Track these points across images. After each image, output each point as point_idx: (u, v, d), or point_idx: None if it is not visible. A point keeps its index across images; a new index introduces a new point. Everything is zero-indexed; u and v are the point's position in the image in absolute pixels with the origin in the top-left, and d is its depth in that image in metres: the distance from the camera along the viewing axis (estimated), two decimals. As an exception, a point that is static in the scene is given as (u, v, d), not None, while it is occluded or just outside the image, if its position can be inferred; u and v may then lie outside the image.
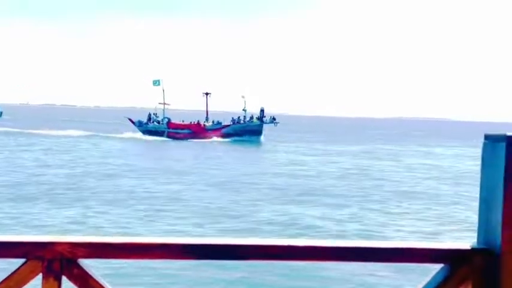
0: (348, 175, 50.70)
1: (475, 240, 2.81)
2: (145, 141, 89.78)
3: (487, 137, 2.76)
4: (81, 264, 2.66)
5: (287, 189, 40.34)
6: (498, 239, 2.67)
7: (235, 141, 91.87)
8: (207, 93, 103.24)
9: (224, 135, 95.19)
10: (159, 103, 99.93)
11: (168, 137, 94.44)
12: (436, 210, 33.87)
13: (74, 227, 26.68)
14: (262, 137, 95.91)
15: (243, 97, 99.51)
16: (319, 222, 28.91)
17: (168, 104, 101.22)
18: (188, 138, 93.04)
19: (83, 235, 3.06)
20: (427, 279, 2.79)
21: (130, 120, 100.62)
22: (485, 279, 2.72)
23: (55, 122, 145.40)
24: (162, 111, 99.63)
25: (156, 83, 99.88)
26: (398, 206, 34.96)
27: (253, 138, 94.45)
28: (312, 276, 19.08)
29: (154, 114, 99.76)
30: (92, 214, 29.56)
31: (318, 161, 64.03)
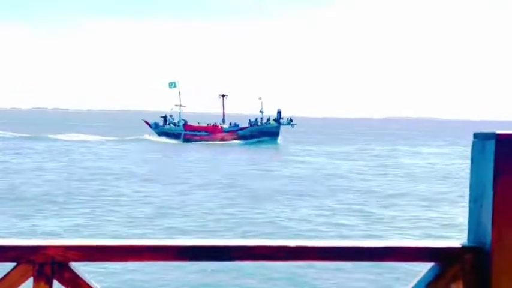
0: (355, 175, 50.59)
1: (466, 238, 2.81)
2: (163, 143, 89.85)
3: (476, 135, 2.75)
4: (72, 267, 2.65)
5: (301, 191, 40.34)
6: (488, 237, 2.67)
7: (252, 143, 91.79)
8: (223, 95, 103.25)
9: (241, 137, 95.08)
10: (175, 105, 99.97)
11: (185, 139, 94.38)
12: (432, 209, 33.88)
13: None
14: (279, 139, 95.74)
15: (259, 99, 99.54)
16: (316, 226, 28.94)
17: (184, 106, 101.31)
18: (205, 141, 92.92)
19: (75, 238, 3.03)
20: (418, 278, 2.78)
21: (146, 122, 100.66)
22: (476, 277, 2.71)
23: (66, 126, 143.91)
24: (178, 113, 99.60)
25: (172, 85, 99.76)
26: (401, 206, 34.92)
27: (271, 140, 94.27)
28: (302, 276, 19.01)
29: (170, 116, 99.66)
30: (95, 218, 29.71)
31: (337, 163, 63.95)
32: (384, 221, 30.37)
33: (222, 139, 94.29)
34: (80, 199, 35.07)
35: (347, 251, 2.76)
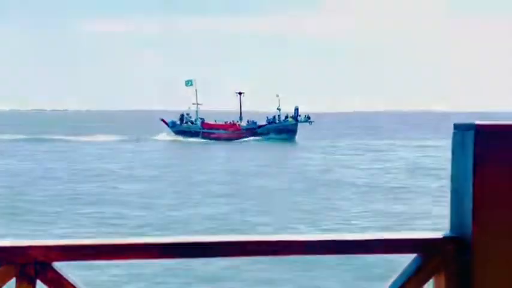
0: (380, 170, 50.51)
1: (447, 229, 2.81)
2: (181, 142, 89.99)
3: (456, 126, 2.76)
4: (55, 267, 2.62)
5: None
6: (469, 228, 2.67)
7: (270, 140, 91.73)
8: (240, 93, 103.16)
9: (259, 135, 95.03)
10: (193, 103, 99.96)
11: (203, 137, 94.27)
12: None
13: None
14: (297, 136, 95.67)
15: (277, 96, 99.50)
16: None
17: (200, 104, 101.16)
18: (223, 139, 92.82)
19: (57, 238, 3.00)
20: (400, 270, 2.79)
21: (163, 121, 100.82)
22: (457, 267, 2.72)
23: (75, 128, 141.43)
24: (195, 111, 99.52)
25: (189, 83, 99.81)
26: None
27: (289, 137, 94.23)
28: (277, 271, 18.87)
29: (187, 114, 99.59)
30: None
31: (353, 158, 63.89)
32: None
33: (240, 137, 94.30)
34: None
35: (329, 244, 2.76)
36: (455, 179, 2.77)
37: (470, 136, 2.66)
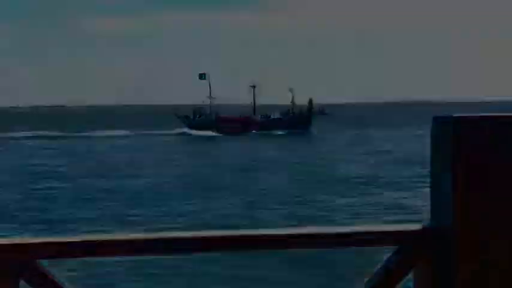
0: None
1: (428, 221, 2.81)
2: (195, 135, 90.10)
3: (435, 118, 2.77)
4: (40, 265, 2.60)
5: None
6: (449, 219, 2.67)
7: (284, 133, 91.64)
8: (253, 86, 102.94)
9: (273, 128, 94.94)
10: (206, 96, 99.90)
11: (217, 130, 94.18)
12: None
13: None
14: (311, 129, 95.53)
15: (290, 91, 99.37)
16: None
17: (214, 98, 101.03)
18: (238, 132, 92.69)
19: (42, 236, 2.96)
20: (380, 262, 2.78)
21: (177, 115, 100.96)
22: (437, 259, 2.71)
23: (86, 123, 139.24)
24: (209, 105, 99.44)
25: (202, 76, 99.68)
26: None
27: (303, 130, 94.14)
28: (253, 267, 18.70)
29: (201, 108, 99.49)
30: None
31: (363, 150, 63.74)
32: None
33: (254, 130, 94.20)
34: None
35: (305, 237, 2.75)
36: (434, 170, 2.77)
37: (448, 128, 2.66)
